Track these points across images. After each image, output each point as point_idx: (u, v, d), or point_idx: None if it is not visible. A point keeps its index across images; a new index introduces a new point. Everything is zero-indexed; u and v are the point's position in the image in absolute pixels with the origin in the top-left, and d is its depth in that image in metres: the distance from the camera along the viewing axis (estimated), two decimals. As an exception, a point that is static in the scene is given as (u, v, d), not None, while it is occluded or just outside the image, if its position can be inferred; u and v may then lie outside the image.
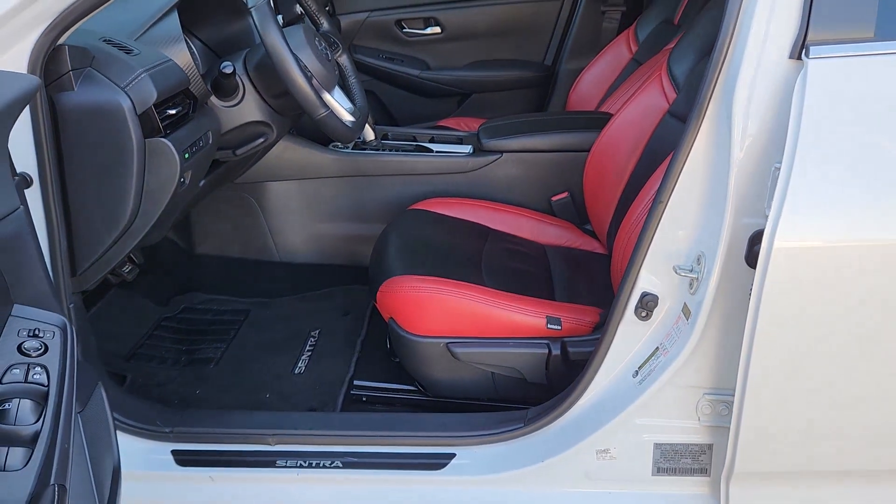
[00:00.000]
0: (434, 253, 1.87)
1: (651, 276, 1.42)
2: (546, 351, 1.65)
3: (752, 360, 1.27)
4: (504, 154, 2.21)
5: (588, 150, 2.09)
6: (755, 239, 1.28)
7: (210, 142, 1.61)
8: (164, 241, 2.25)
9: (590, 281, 1.92)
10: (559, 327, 1.65)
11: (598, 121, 2.22)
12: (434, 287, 1.68)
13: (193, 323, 2.18)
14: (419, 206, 2.13)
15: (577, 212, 2.21)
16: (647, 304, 1.42)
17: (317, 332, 2.11)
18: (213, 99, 1.67)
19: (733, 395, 1.35)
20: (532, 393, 1.72)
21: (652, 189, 1.59)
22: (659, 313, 1.43)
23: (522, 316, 1.66)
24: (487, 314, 1.66)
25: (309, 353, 2.01)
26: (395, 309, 1.71)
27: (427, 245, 1.90)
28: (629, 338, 1.46)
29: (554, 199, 2.21)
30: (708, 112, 1.32)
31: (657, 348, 1.44)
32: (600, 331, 1.65)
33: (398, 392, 1.82)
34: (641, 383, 1.44)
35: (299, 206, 2.25)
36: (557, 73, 3.05)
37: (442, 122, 2.77)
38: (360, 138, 2.28)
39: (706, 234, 1.35)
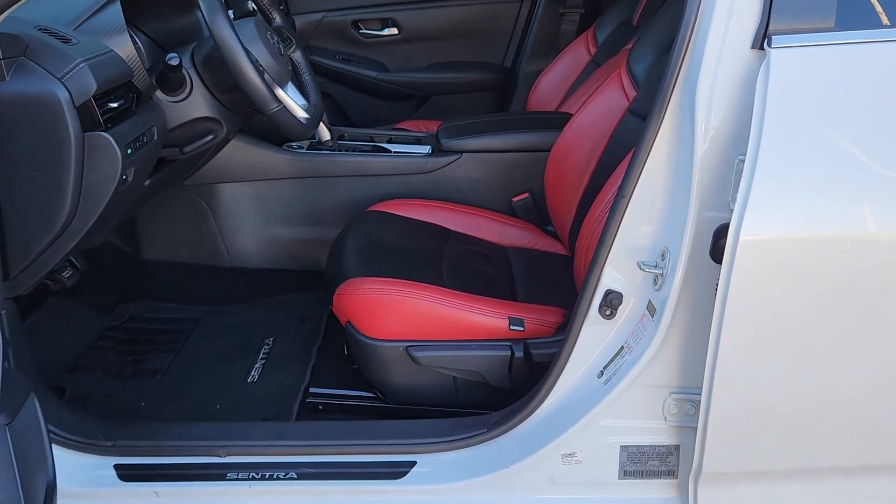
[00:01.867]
0: (393, 255, 1.81)
1: (615, 272, 1.38)
2: (508, 353, 1.60)
3: (719, 357, 1.24)
4: (464, 154, 2.17)
5: (548, 150, 2.06)
6: (720, 233, 1.25)
7: (155, 138, 1.54)
8: (108, 245, 2.16)
9: (552, 282, 1.88)
10: (522, 328, 1.61)
11: (557, 120, 2.19)
12: (392, 289, 1.62)
13: (140, 332, 2.09)
14: (377, 207, 2.07)
15: (538, 212, 2.18)
16: (612, 302, 1.38)
17: (271, 339, 2.03)
18: (159, 93, 1.59)
19: (700, 394, 1.31)
20: (495, 398, 1.67)
21: (613, 186, 1.55)
22: (623, 311, 1.40)
23: (483, 317, 1.60)
24: (447, 316, 1.60)
25: (263, 362, 1.93)
26: (352, 312, 1.65)
27: (385, 247, 1.85)
28: (593, 337, 1.42)
29: (515, 199, 2.17)
30: (670, 105, 1.28)
31: (622, 347, 1.40)
32: (564, 332, 1.62)
33: (356, 399, 1.76)
34: (607, 383, 1.40)
35: (252, 209, 2.17)
36: (517, 75, 3.02)
37: (400, 125, 2.72)
38: (315, 138, 2.21)
39: (670, 228, 1.32)
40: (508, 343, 1.61)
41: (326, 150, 2.18)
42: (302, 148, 2.18)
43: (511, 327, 1.60)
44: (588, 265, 1.51)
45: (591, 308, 1.39)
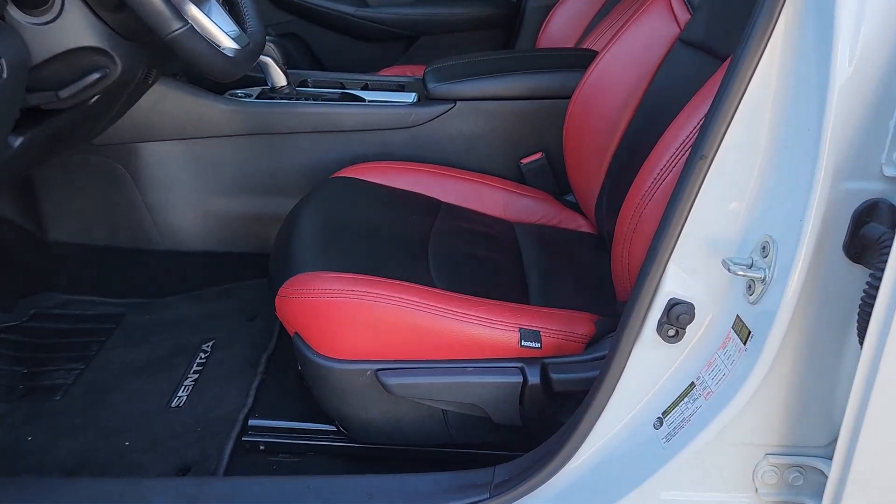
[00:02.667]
0: (361, 238, 1.34)
1: (683, 274, 0.91)
2: (519, 379, 1.14)
3: (872, 404, 0.77)
4: (458, 103, 1.68)
5: (569, 97, 1.57)
6: (865, 214, 0.78)
7: (6, 75, 1.05)
8: (4, 223, 1.68)
9: (577, 274, 1.41)
10: (538, 344, 1.14)
11: (580, 58, 1.70)
12: (357, 290, 1.15)
13: (43, 334, 1.62)
14: (345, 172, 1.59)
15: (554, 178, 1.69)
16: (678, 319, 0.91)
17: (210, 344, 1.57)
18: (14, 12, 1.10)
19: (817, 457, 0.86)
20: (500, 437, 1.21)
21: (671, 143, 1.07)
22: (696, 332, 0.93)
23: (485, 329, 1.14)
24: (434, 328, 1.13)
25: (196, 377, 1.47)
26: (301, 321, 1.18)
27: (352, 226, 1.37)
28: (649, 367, 0.95)
29: (524, 161, 1.69)
30: (784, 11, 0.80)
31: (692, 385, 0.94)
32: (595, 348, 1.15)
33: (311, 436, 1.30)
34: (669, 439, 0.93)
35: (186, 176, 1.69)
36: (523, 9, 2.50)
37: (383, 72, 2.22)
38: (268, 85, 1.72)
39: (777, 207, 0.84)
40: (519, 364, 1.15)
41: (281, 98, 1.69)
42: (250, 96, 1.69)
43: (523, 343, 1.14)
44: (635, 259, 1.04)
45: (645, 325, 0.93)
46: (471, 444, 1.24)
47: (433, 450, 1.25)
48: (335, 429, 1.29)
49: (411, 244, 1.37)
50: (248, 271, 1.73)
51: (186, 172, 1.68)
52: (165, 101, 1.61)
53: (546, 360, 1.15)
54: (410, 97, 1.72)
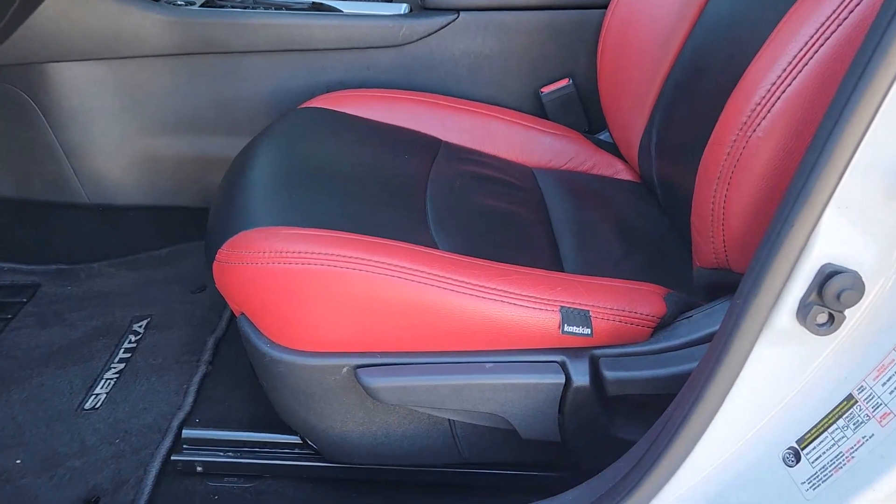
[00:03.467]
0: (333, 184, 0.98)
1: (850, 228, 0.56)
2: (560, 378, 0.80)
3: None
4: (461, 14, 1.31)
5: (605, 5, 1.22)
6: None
7: None
8: None
9: (620, 231, 1.07)
10: (587, 330, 0.79)
11: (618, -43, 1.33)
12: (327, 252, 0.79)
13: (-71, 311, 1.27)
14: (316, 102, 1.22)
15: (584, 111, 1.34)
16: (839, 297, 0.57)
17: (143, 323, 1.22)
18: None
19: None
20: (529, 455, 0.88)
21: (793, 40, 0.72)
22: (861, 316, 0.59)
23: (511, 308, 0.79)
24: (437, 307, 0.79)
25: (120, 367, 1.12)
26: (249, 296, 0.83)
27: (321, 170, 1.01)
28: (779, 371, 0.61)
29: (546, 89, 1.32)
30: None
31: (852, 399, 0.60)
32: (667, 334, 0.82)
33: (269, 452, 0.96)
34: (815, 486, 0.60)
35: (112, 109, 1.32)
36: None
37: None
38: (217, -8, 1.35)
39: None
40: (559, 358, 0.81)
41: (234, 6, 1.32)
42: (193, 4, 1.31)
43: (566, 328, 0.79)
44: (736, 206, 0.70)
45: (779, 307, 0.59)
46: (488, 464, 0.90)
47: (437, 470, 0.91)
48: (301, 442, 0.95)
49: (403, 192, 1.02)
50: (193, 231, 1.36)
51: (112, 104, 1.31)
52: (80, 6, 1.23)
53: (597, 352, 0.81)
54: (401, 7, 1.35)
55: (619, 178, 1.25)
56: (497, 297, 0.79)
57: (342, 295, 0.78)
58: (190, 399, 1.03)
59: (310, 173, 1.00)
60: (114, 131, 1.32)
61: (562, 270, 0.95)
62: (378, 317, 0.79)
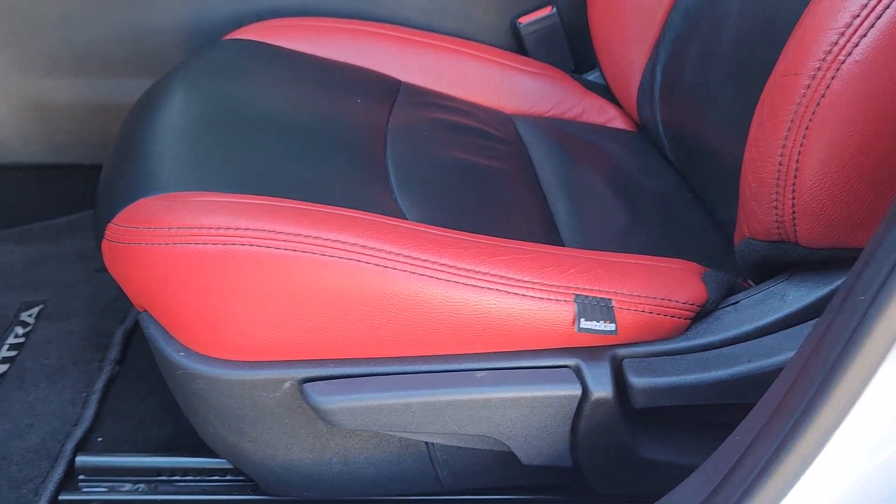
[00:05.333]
0: (265, 139, 0.75)
1: None
2: (575, 390, 0.60)
3: None
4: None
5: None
6: None
7: None
8: None
9: (625, 194, 0.87)
10: (611, 325, 0.60)
11: None
12: (256, 229, 0.57)
13: None
14: (242, 33, 0.98)
15: (569, 45, 1.12)
16: None
17: (34, 311, 0.98)
18: None
19: None
20: (528, 480, 0.69)
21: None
22: None
23: (508, 299, 0.59)
24: (410, 300, 0.58)
25: (1, 371, 0.89)
26: (151, 286, 0.61)
27: (247, 118, 0.78)
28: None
29: (524, 20, 1.10)
30: None
31: None
32: (703, 327, 0.63)
33: (193, 482, 0.74)
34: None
35: (-16, 41, 1.05)
36: None
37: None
38: None
39: None
40: (571, 362, 0.61)
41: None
42: None
43: (583, 324, 0.59)
44: (816, 153, 0.51)
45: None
46: (476, 491, 0.71)
47: (410, 500, 0.72)
48: (232, 467, 0.74)
49: (356, 146, 0.80)
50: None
51: (-16, 35, 1.04)
52: None
53: (621, 351, 0.62)
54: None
55: (613, 126, 1.06)
56: (492, 285, 0.58)
57: (280, 285, 0.57)
58: (90, 411, 0.81)
59: (233, 122, 0.77)
60: (-10, 70, 1.06)
61: (560, 244, 0.75)
62: (330, 314, 0.58)
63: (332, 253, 0.57)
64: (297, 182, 0.68)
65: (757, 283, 0.65)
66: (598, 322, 0.59)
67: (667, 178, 0.92)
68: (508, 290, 0.59)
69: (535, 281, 0.59)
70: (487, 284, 0.59)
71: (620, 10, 1.00)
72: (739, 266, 0.67)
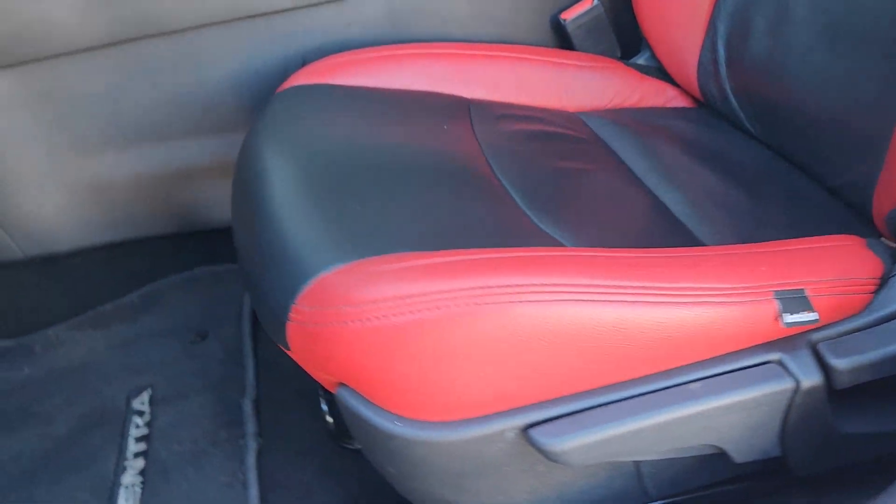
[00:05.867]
0: (387, 185, 0.74)
1: None
2: (788, 383, 0.62)
3: None
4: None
5: None
6: None
7: None
8: None
9: (728, 176, 0.88)
10: (812, 315, 0.61)
11: None
12: (462, 288, 0.57)
13: None
14: (298, 79, 0.96)
15: (616, 34, 1.13)
16: None
17: (144, 397, 0.95)
18: None
19: None
20: (730, 473, 0.70)
21: None
22: None
23: (719, 308, 0.60)
24: (628, 325, 0.58)
25: (139, 467, 0.86)
26: (355, 362, 0.60)
27: (362, 167, 0.77)
28: None
29: (567, 15, 1.10)
30: None
31: None
32: (881, 299, 0.65)
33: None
34: None
35: (30, 128, 1.00)
36: None
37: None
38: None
39: None
40: (774, 356, 0.62)
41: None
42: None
43: (788, 318, 0.60)
44: None
45: None
46: (677, 494, 0.72)
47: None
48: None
49: (471, 176, 0.79)
50: (167, 264, 1.09)
51: (29, 123, 1.00)
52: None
53: (814, 336, 0.63)
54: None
55: (675, 105, 1.07)
56: (698, 298, 0.59)
57: (502, 338, 0.57)
58: (254, 491, 0.79)
59: (350, 173, 0.75)
60: (38, 159, 1.01)
61: (701, 242, 0.76)
62: (550, 356, 0.58)
63: (551, 297, 0.56)
64: (452, 228, 0.67)
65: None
66: (801, 314, 0.61)
67: (756, 149, 0.93)
68: (714, 301, 0.59)
69: (735, 286, 0.60)
70: (693, 299, 0.59)
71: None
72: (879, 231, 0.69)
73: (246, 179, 0.79)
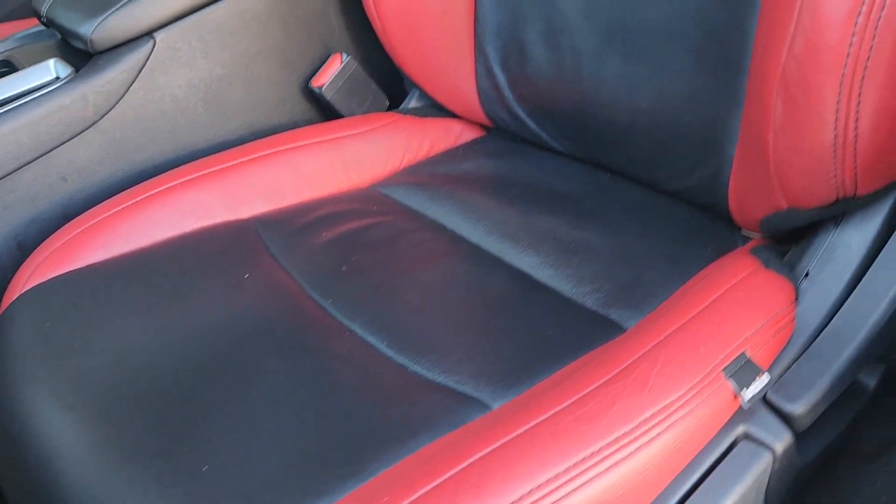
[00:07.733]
0: (200, 401, 0.56)
1: None
2: (766, 456, 0.54)
3: None
4: (157, 37, 0.86)
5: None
6: None
7: None
8: None
9: (574, 211, 0.80)
10: (764, 377, 0.54)
11: None
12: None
13: None
14: (26, 282, 0.73)
15: (377, 84, 1.00)
16: None
17: None
18: None
19: None
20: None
21: None
22: None
23: (682, 422, 0.50)
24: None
25: None
26: None
27: (157, 382, 0.58)
28: None
29: (318, 82, 0.95)
30: None
31: None
32: (802, 310, 0.61)
33: None
34: None
35: None
36: None
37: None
38: None
39: None
40: (738, 430, 0.55)
41: None
42: None
43: (745, 393, 0.53)
44: (881, 106, 0.49)
45: None
46: None
47: None
48: None
49: (302, 331, 0.64)
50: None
51: None
52: None
53: (767, 389, 0.57)
54: (55, 69, 0.85)
55: (465, 140, 0.97)
56: (666, 421, 0.50)
57: None
58: None
59: (135, 398, 0.57)
60: None
61: (622, 326, 0.65)
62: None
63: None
64: (307, 452, 0.51)
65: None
66: (754, 383, 0.53)
67: (577, 171, 0.86)
68: (679, 415, 0.50)
69: (690, 386, 0.51)
70: (660, 427, 0.49)
71: (422, 26, 0.90)
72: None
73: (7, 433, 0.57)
